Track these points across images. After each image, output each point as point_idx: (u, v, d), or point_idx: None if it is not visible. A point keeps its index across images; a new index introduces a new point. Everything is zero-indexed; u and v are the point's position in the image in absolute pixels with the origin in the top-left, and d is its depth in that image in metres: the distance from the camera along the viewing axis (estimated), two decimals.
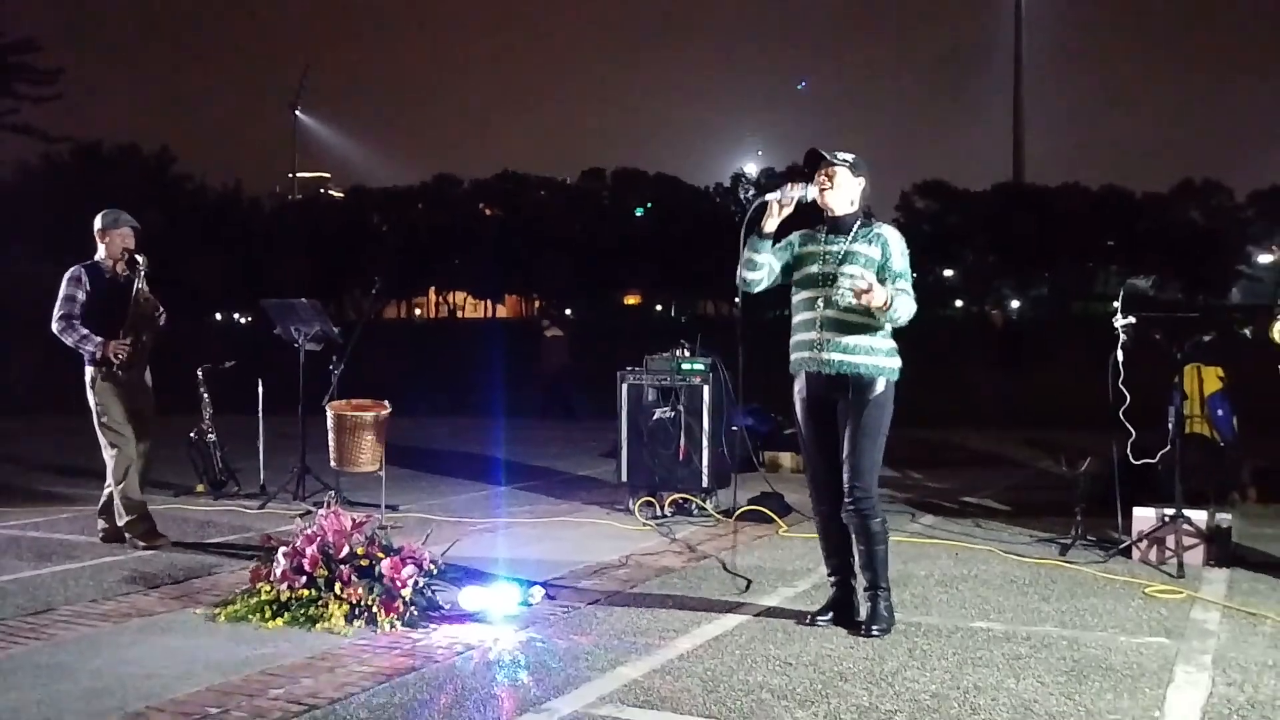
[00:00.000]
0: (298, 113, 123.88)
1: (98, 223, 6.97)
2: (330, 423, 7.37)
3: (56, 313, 6.77)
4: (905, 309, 4.76)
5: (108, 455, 6.82)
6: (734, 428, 7.94)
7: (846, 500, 4.83)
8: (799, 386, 5.01)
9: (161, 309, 6.97)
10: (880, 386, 4.84)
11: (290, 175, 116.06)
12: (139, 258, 6.86)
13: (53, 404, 13.96)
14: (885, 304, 4.65)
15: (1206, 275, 68.49)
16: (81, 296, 6.79)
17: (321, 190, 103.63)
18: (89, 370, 6.80)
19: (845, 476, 4.82)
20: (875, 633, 4.80)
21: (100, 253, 6.94)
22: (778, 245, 4.99)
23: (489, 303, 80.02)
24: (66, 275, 6.86)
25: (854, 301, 4.70)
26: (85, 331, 6.74)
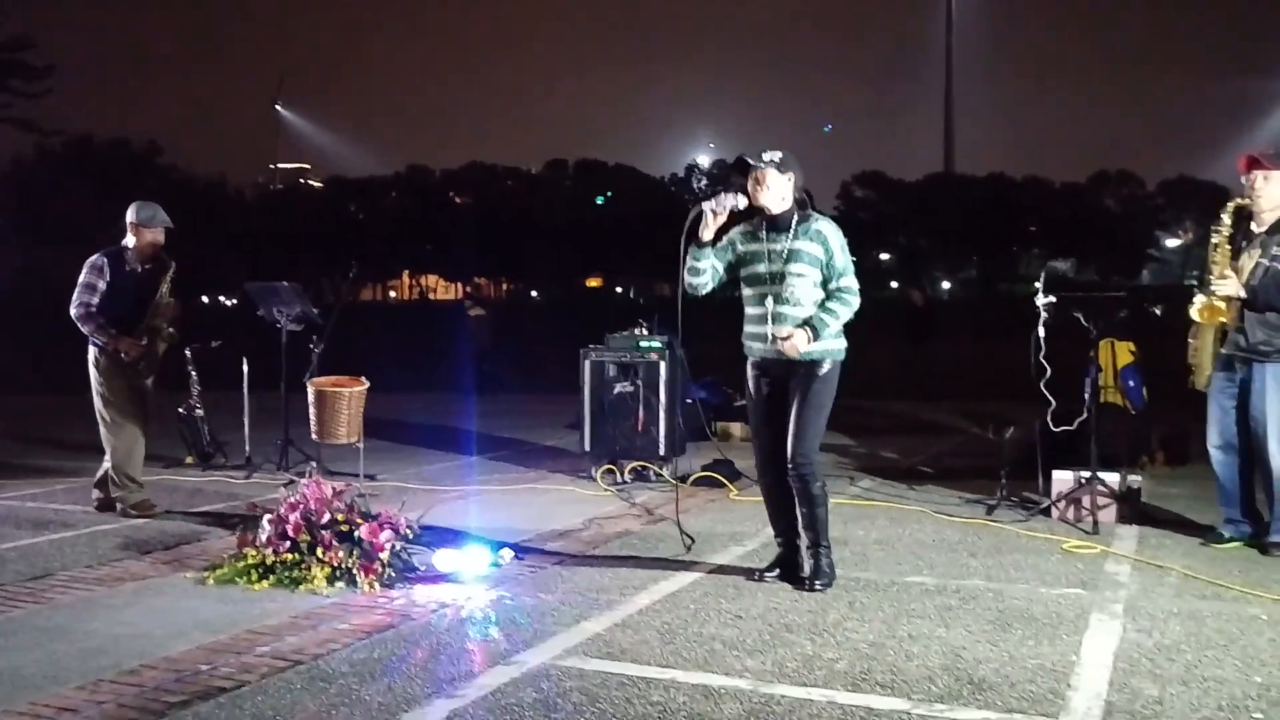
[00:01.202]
0: (278, 107, 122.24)
1: (131, 215, 6.62)
2: (311, 398, 7.33)
3: (75, 299, 6.51)
4: (836, 321, 4.81)
5: (106, 432, 6.65)
6: (688, 400, 7.96)
7: (790, 465, 4.85)
8: (752, 364, 5.02)
9: (178, 316, 6.70)
10: (827, 366, 4.85)
11: (271, 166, 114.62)
12: (170, 263, 6.64)
13: (47, 383, 13.76)
14: (810, 340, 4.74)
15: (1120, 258, 69.52)
16: (101, 286, 6.52)
17: (301, 180, 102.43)
18: (92, 350, 6.60)
19: (790, 444, 4.84)
20: (818, 587, 4.84)
21: (128, 241, 6.62)
22: (718, 245, 4.94)
23: (460, 285, 79.65)
24: (88, 262, 6.58)
25: (792, 345, 4.76)
26: (101, 322, 6.49)
